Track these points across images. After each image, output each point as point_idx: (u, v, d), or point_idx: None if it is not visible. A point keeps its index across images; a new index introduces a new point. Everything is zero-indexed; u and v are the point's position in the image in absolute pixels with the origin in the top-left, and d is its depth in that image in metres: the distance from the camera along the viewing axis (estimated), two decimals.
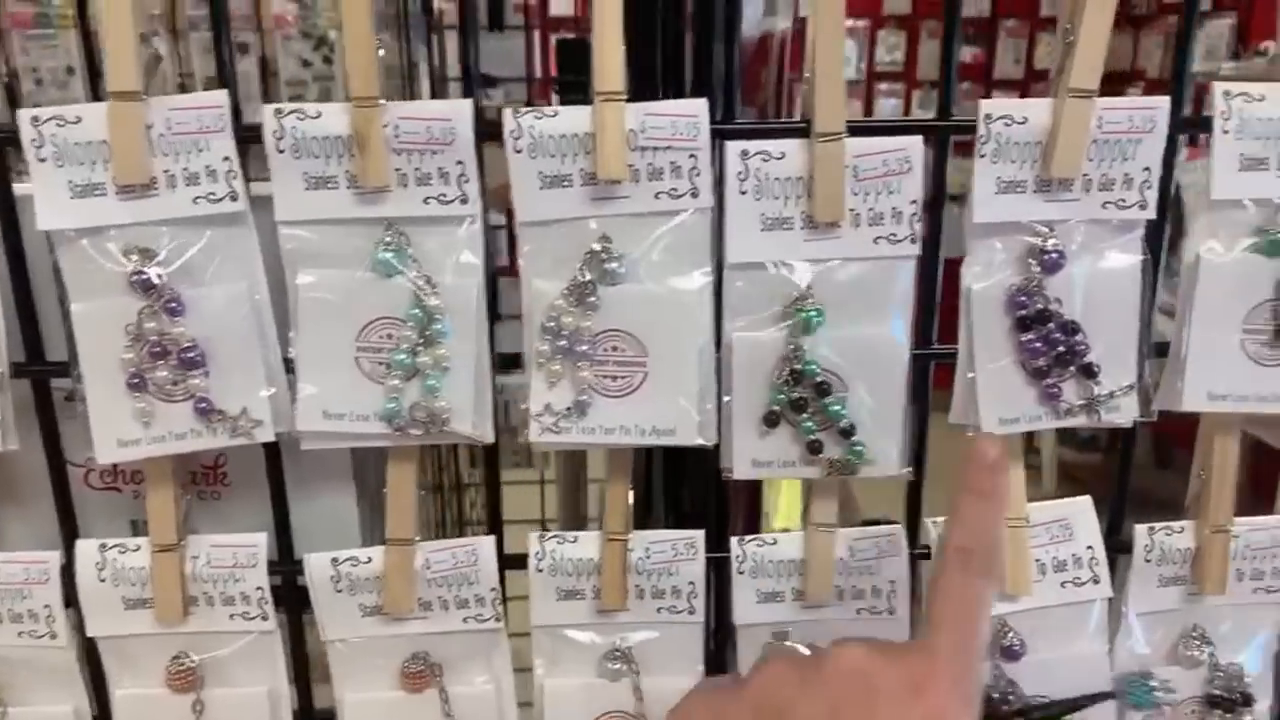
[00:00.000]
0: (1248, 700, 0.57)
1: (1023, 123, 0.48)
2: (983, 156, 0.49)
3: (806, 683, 0.38)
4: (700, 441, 0.51)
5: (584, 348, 0.49)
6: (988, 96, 4.21)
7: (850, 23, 4.36)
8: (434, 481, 1.30)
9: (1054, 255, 0.50)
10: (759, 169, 0.48)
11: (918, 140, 0.48)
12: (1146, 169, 0.49)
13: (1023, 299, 0.50)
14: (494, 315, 0.51)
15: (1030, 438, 0.54)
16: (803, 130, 0.48)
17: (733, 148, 0.48)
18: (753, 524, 0.93)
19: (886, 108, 4.23)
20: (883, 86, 4.32)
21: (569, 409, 0.50)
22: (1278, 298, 0.50)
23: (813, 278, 0.49)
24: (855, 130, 0.47)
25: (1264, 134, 0.49)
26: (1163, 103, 0.48)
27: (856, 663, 0.38)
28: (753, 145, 0.48)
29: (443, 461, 1.34)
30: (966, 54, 4.20)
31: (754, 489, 0.89)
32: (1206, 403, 0.52)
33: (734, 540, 0.55)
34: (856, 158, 0.48)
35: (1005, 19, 4.46)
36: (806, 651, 0.42)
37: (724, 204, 0.49)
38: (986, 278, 0.51)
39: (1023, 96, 4.18)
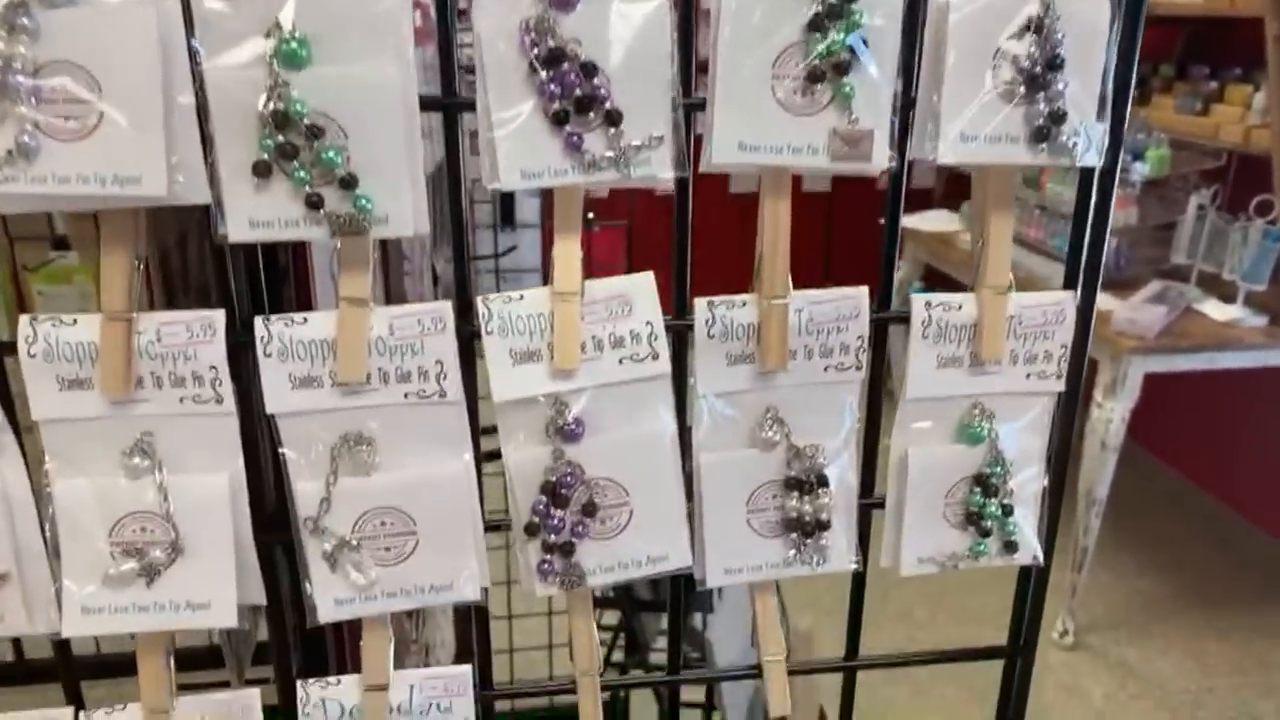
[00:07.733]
0: (824, 481, 0.57)
1: None
2: None
3: None
4: (163, 194, 0.45)
5: (22, 79, 0.43)
6: None
7: None
8: None
9: None
10: None
11: None
12: None
13: (534, 36, 0.46)
14: None
15: None
16: None
17: None
18: None
19: None
20: None
21: (10, 152, 0.44)
22: (806, 40, 0.48)
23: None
24: None
25: None
26: None
27: None
28: None
29: None
30: None
31: None
32: (736, 154, 0.49)
33: (258, 320, 0.50)
34: None
35: None
36: None
37: None
38: (496, 13, 0.46)
39: None
